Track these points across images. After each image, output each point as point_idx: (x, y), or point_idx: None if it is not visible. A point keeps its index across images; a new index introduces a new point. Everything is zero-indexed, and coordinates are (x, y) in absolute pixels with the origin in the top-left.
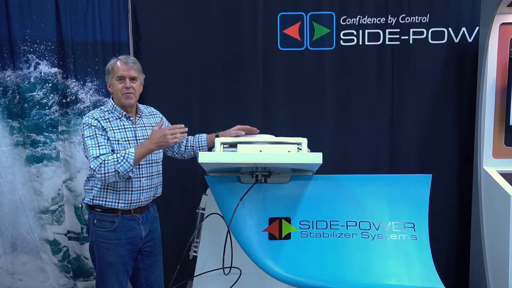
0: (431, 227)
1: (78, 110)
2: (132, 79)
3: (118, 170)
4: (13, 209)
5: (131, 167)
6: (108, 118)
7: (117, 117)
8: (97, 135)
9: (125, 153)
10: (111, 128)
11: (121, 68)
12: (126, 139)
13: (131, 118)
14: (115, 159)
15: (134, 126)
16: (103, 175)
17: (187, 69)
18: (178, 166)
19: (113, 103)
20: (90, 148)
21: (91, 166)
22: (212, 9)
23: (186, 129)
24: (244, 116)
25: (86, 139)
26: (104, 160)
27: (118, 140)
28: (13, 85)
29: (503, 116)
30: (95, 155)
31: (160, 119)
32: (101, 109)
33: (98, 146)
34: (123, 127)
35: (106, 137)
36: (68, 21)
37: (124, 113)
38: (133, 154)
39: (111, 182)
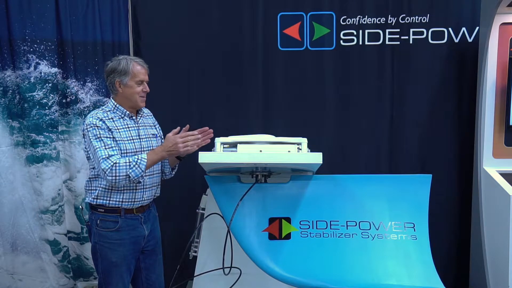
0: (431, 227)
1: (78, 110)
2: (147, 82)
3: (130, 175)
4: (13, 209)
5: (143, 173)
6: (112, 118)
7: (120, 117)
8: (103, 137)
9: (138, 159)
10: (116, 128)
11: (142, 72)
12: (131, 138)
13: (133, 118)
14: (127, 164)
15: (137, 125)
16: (114, 178)
17: (187, 69)
18: (178, 166)
19: (115, 103)
20: (98, 149)
21: (102, 167)
22: (212, 9)
23: (199, 135)
24: (244, 116)
25: (92, 140)
26: (116, 163)
27: (123, 140)
28: (13, 85)
29: (503, 116)
30: (104, 156)
31: (154, 120)
32: (102, 109)
33: (105, 147)
34: (126, 126)
35: (112, 138)
36: (68, 21)
37: (127, 112)
38: (145, 160)
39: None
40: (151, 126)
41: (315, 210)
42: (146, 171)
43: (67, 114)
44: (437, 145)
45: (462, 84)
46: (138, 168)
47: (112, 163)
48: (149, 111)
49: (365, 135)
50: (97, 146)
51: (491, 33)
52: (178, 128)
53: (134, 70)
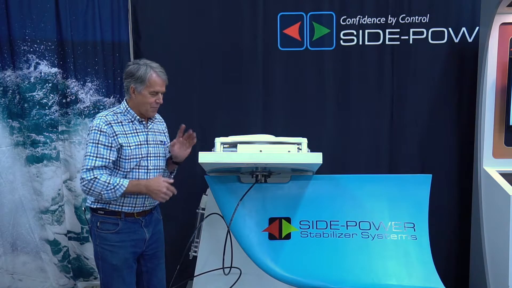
0: (431, 227)
1: (78, 110)
2: (162, 93)
3: (103, 195)
4: (13, 209)
5: (116, 198)
6: (121, 121)
7: (130, 120)
8: (100, 145)
9: (118, 184)
10: (123, 132)
11: (158, 83)
12: (139, 143)
13: (143, 122)
14: (105, 184)
15: (146, 130)
16: (87, 190)
17: (187, 69)
18: (178, 166)
19: (127, 106)
20: (88, 156)
21: (82, 176)
22: (212, 9)
23: (175, 192)
24: (244, 116)
25: (88, 143)
26: (96, 178)
27: (130, 145)
28: (13, 85)
29: (503, 116)
30: (88, 167)
31: (164, 127)
32: (113, 111)
33: (96, 156)
34: (135, 131)
35: (110, 147)
36: (68, 21)
37: (138, 117)
38: (124, 188)
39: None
40: (160, 132)
41: (315, 210)
42: (151, 178)
43: (67, 114)
44: (437, 145)
45: (462, 84)
46: (113, 193)
47: (92, 176)
48: (161, 118)
49: (365, 135)
50: (88, 152)
51: (491, 33)
52: (173, 180)
53: (150, 80)
